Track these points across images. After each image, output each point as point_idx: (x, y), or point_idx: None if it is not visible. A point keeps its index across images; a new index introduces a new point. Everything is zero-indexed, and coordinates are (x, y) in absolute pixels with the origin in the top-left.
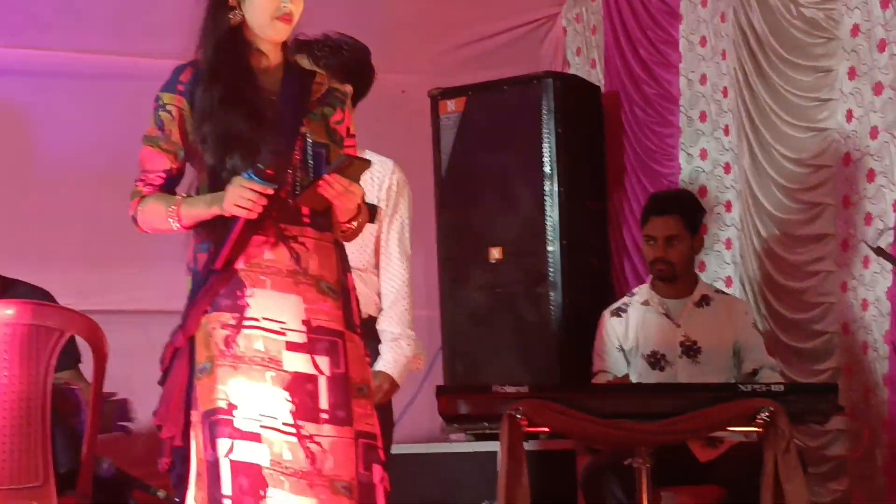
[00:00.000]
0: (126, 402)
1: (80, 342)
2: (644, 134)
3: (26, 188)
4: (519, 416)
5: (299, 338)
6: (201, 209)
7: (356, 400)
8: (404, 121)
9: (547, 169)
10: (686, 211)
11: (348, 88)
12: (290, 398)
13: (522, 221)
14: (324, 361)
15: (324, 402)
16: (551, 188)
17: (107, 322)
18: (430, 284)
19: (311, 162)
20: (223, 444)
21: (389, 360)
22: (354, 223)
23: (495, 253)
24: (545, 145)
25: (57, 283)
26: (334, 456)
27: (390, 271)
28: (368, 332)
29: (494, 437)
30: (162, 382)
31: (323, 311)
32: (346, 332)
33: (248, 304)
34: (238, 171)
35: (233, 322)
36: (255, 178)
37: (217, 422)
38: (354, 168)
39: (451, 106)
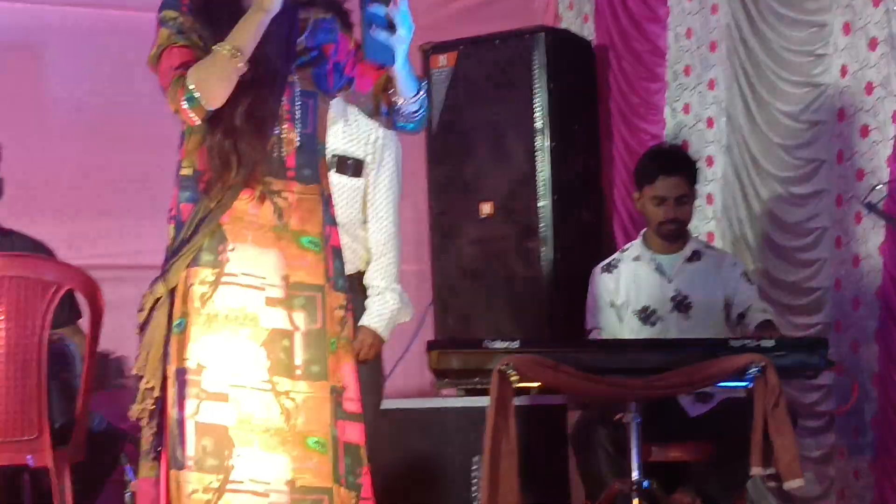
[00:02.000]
0: (122, 360)
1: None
2: (631, 89)
3: (18, 139)
4: (509, 372)
5: (278, 293)
6: (248, 25)
7: (331, 355)
8: None
9: (538, 124)
10: (691, 167)
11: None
12: (266, 354)
13: (513, 176)
14: (300, 317)
15: (298, 358)
16: (542, 143)
17: (101, 276)
18: (420, 239)
19: (299, 112)
20: (190, 404)
21: (374, 313)
22: (423, 94)
23: (486, 208)
24: (537, 100)
25: (48, 236)
26: (307, 412)
27: (377, 225)
28: (358, 287)
29: (485, 393)
30: (141, 332)
31: (303, 267)
32: (325, 285)
33: (228, 259)
34: (235, 118)
35: (212, 278)
36: None
37: (185, 381)
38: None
39: (443, 60)
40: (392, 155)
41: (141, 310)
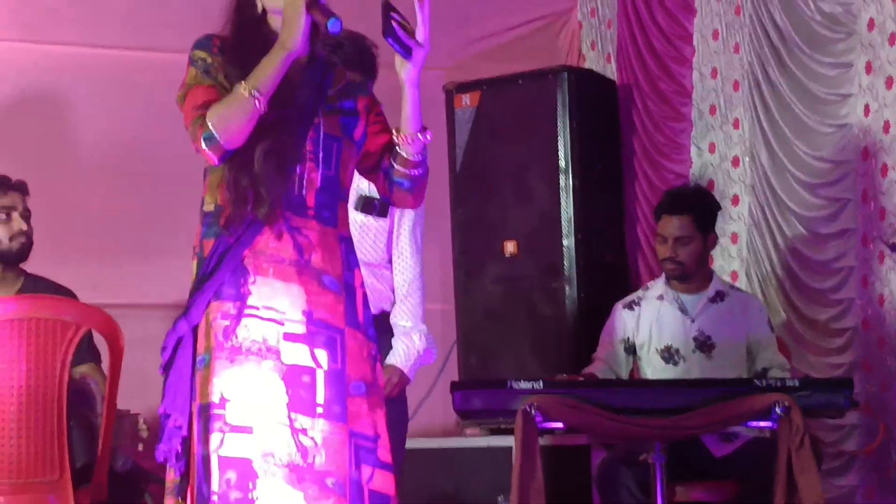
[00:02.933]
0: (137, 418)
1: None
2: (656, 128)
3: (42, 182)
4: (533, 412)
5: (298, 328)
6: (269, 63)
7: (351, 398)
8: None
9: (562, 163)
10: (698, 209)
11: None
12: (285, 389)
13: (537, 215)
14: (322, 355)
15: (320, 397)
16: (566, 182)
17: (122, 315)
18: (445, 278)
19: (322, 154)
20: (214, 438)
21: (400, 353)
22: (429, 135)
23: (510, 247)
24: (560, 139)
25: (71, 277)
26: (326, 452)
27: (402, 265)
28: (383, 327)
29: (509, 432)
30: (165, 371)
31: (323, 305)
32: (346, 328)
33: (249, 292)
34: (255, 155)
35: (234, 312)
36: None
37: (209, 417)
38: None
39: (466, 100)
40: None
41: (164, 349)
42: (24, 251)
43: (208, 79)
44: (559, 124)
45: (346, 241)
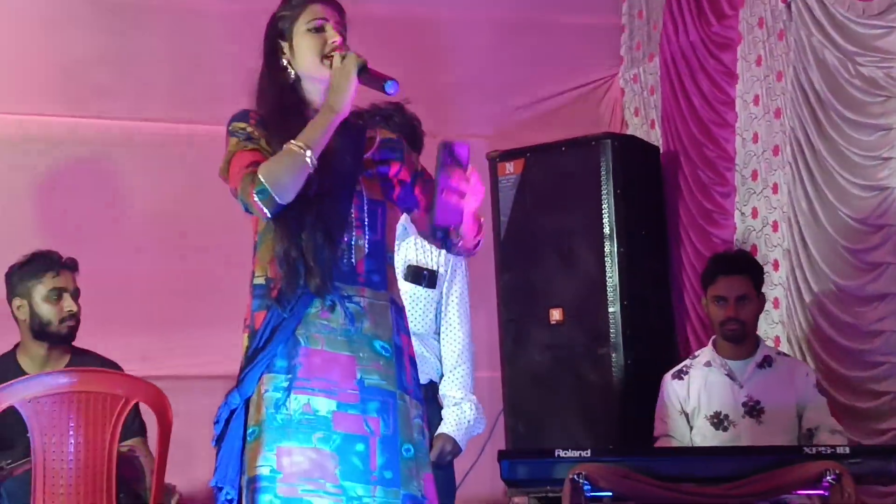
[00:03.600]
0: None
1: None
2: (702, 194)
3: (90, 254)
4: (581, 481)
5: (351, 398)
6: (318, 125)
7: (403, 461)
8: None
9: (606, 229)
10: (754, 270)
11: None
12: (338, 459)
13: (583, 282)
14: (375, 422)
15: (374, 464)
16: (611, 248)
17: (170, 387)
18: (491, 345)
19: (367, 220)
20: None
21: (452, 422)
22: (482, 236)
23: (556, 314)
24: (604, 206)
25: (121, 348)
26: None
27: (451, 336)
28: (431, 397)
29: (557, 501)
30: (218, 443)
31: (375, 371)
32: (397, 391)
33: (301, 364)
34: (303, 226)
35: (285, 384)
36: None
37: (259, 489)
38: (458, 152)
39: (510, 168)
40: (463, 267)
41: (217, 422)
42: (73, 332)
43: (252, 143)
44: (603, 191)
45: (395, 304)
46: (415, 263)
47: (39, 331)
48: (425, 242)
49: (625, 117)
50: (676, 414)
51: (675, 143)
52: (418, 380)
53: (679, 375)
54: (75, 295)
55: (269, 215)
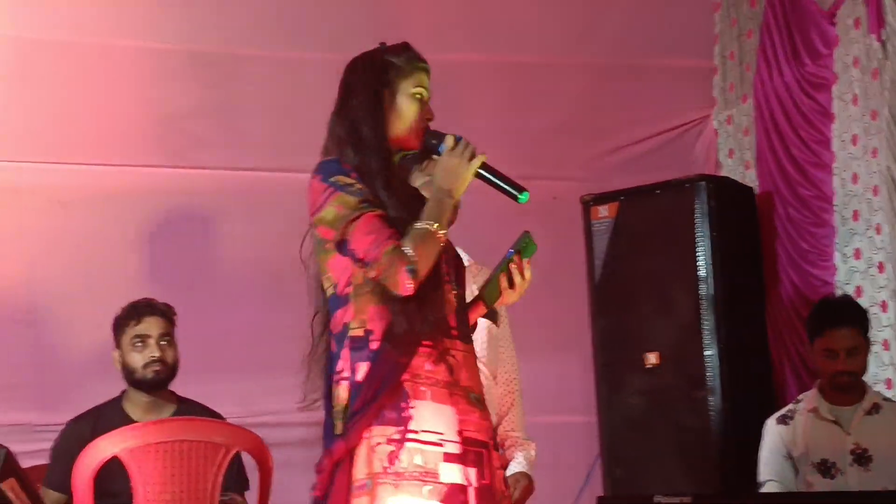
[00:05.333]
0: None
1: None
2: (799, 235)
3: (190, 301)
4: None
5: (455, 448)
6: (441, 208)
7: None
8: (556, 227)
9: (702, 272)
10: (862, 319)
11: None
12: None
13: (679, 326)
14: (472, 472)
15: None
16: (707, 291)
17: (271, 433)
18: (586, 390)
19: (454, 274)
20: None
21: (523, 461)
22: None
23: (652, 358)
24: (700, 248)
25: (221, 394)
26: None
27: (510, 375)
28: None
29: None
30: (322, 495)
31: (472, 422)
32: (489, 442)
33: (411, 416)
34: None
35: (397, 436)
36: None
37: None
38: (531, 248)
39: (604, 211)
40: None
41: (321, 471)
42: (160, 378)
43: (373, 207)
44: (698, 233)
45: (475, 356)
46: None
47: (130, 379)
48: (482, 272)
49: (719, 159)
50: (782, 459)
51: (770, 183)
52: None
53: (784, 420)
54: (162, 340)
55: (411, 291)
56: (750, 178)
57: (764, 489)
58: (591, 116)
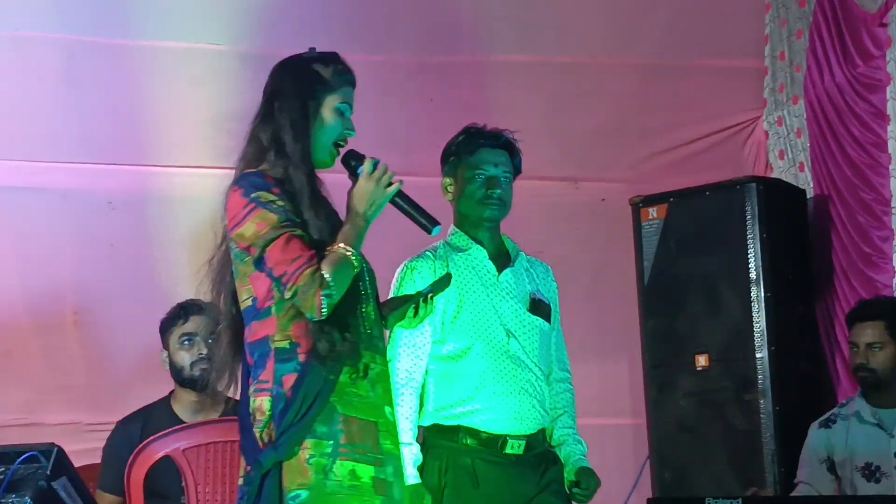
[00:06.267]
0: None
1: None
2: (860, 238)
3: None
4: None
5: (379, 462)
6: (357, 233)
7: None
8: (605, 228)
9: (753, 274)
10: (888, 317)
11: None
12: None
13: (729, 327)
14: (394, 485)
15: None
16: (758, 293)
17: None
18: (635, 392)
19: (370, 288)
20: None
21: (581, 454)
22: None
23: (702, 360)
24: (750, 250)
25: None
26: None
27: (563, 374)
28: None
29: None
30: (248, 502)
31: (390, 436)
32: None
33: (344, 430)
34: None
35: (329, 450)
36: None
37: None
38: (446, 287)
39: (653, 213)
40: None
41: (249, 483)
42: (206, 375)
43: (298, 229)
44: (749, 235)
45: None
46: (535, 295)
47: (178, 378)
48: (541, 275)
49: (769, 160)
50: (818, 463)
51: (826, 186)
52: None
53: (827, 424)
54: (210, 339)
55: (324, 316)
56: (802, 180)
57: (795, 491)
58: (639, 117)
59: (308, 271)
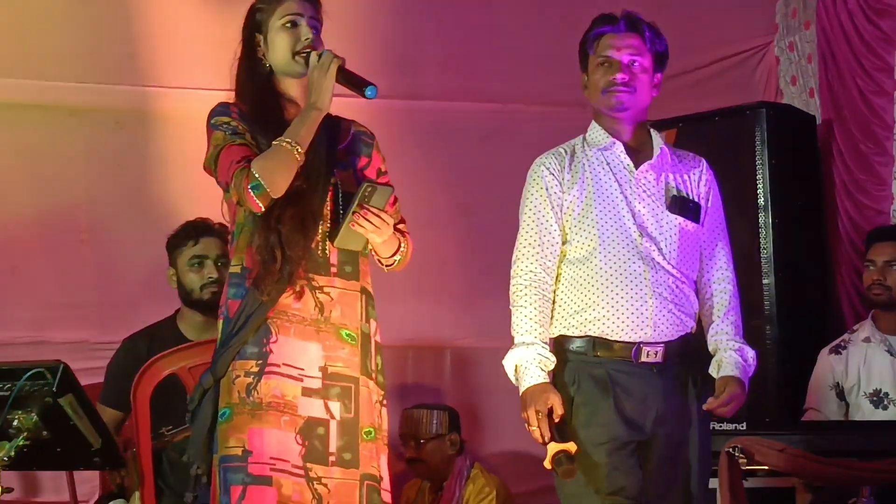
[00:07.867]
0: None
1: None
2: (858, 164)
3: None
4: (737, 454)
5: (315, 384)
6: (304, 122)
7: (363, 443)
8: None
9: (761, 200)
10: None
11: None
12: (301, 441)
13: (736, 254)
14: (336, 406)
15: (333, 446)
16: (766, 220)
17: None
18: None
19: (342, 212)
20: (235, 491)
21: (735, 366)
22: (398, 256)
23: None
24: (759, 176)
25: None
26: (338, 497)
27: (722, 277)
28: (695, 348)
29: (713, 475)
30: (191, 421)
31: (340, 358)
32: (360, 377)
33: (272, 351)
34: (282, 218)
35: (256, 369)
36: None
37: (230, 468)
38: (379, 195)
39: (662, 138)
40: (720, 201)
41: (191, 400)
42: (216, 298)
43: (239, 138)
44: (758, 161)
45: (366, 293)
46: (676, 193)
47: (186, 299)
48: (689, 171)
49: (780, 86)
50: (827, 389)
51: (832, 111)
52: (383, 366)
53: (837, 350)
54: (219, 261)
55: (262, 209)
56: (813, 106)
57: (805, 416)
58: None
59: (238, 168)
